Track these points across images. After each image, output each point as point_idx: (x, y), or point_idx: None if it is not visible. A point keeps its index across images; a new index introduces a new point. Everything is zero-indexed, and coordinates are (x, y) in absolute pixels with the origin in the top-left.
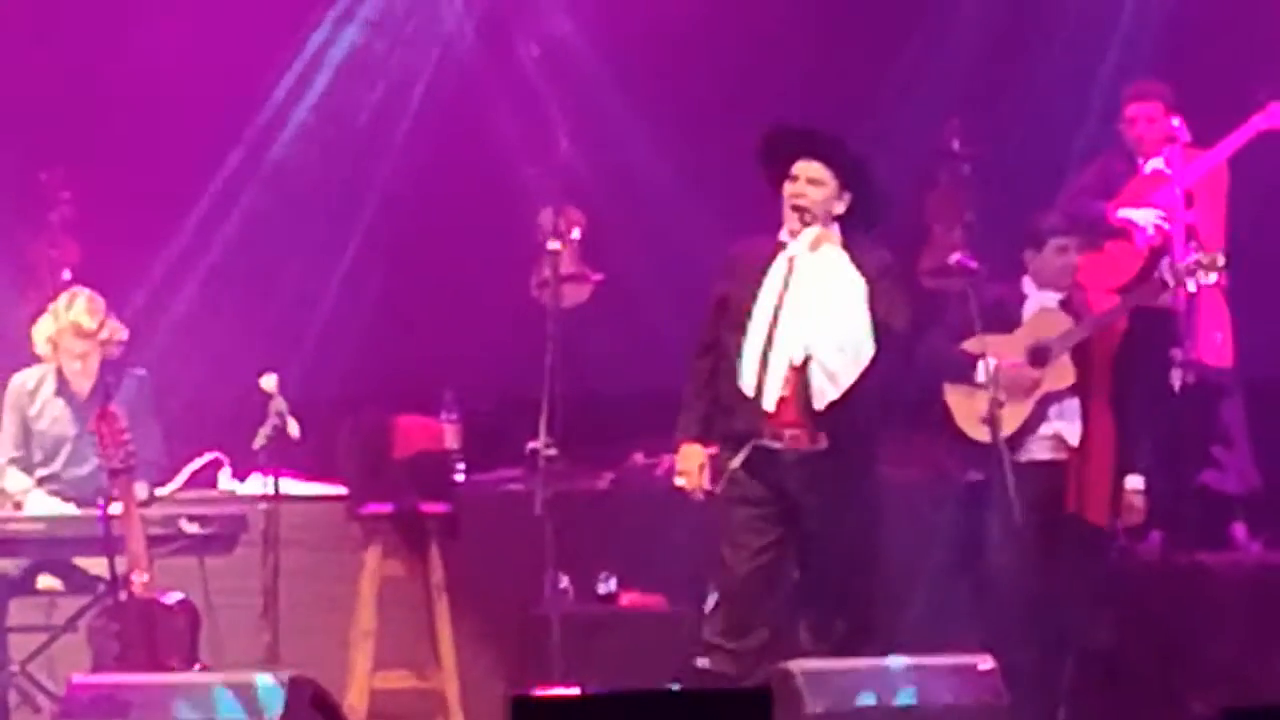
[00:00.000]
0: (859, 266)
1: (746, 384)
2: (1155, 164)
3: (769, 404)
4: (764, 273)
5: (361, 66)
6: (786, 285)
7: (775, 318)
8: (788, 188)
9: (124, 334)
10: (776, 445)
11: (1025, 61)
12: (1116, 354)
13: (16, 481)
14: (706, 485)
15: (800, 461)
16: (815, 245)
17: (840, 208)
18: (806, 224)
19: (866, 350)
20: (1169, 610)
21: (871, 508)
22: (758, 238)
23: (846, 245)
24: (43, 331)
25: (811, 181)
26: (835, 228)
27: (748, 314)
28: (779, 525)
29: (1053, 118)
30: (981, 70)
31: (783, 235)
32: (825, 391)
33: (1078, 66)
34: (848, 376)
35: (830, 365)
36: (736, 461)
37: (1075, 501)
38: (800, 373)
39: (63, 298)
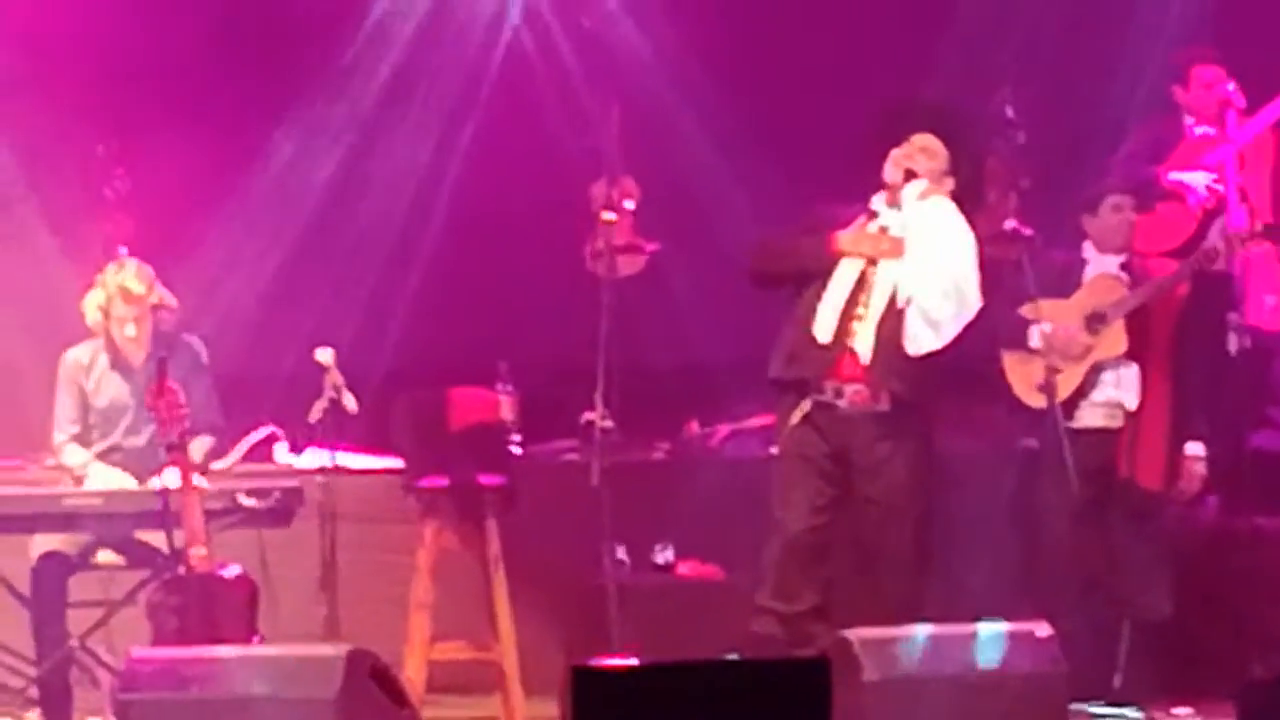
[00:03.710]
0: None
1: (822, 331)
2: (1205, 127)
3: (861, 352)
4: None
5: (414, 39)
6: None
7: (861, 276)
8: (897, 152)
9: (173, 301)
10: (838, 402)
11: (1079, 27)
12: (1177, 319)
13: (75, 456)
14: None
15: (861, 420)
16: (925, 195)
17: (945, 188)
18: (908, 179)
19: (973, 301)
20: (1226, 575)
21: (930, 473)
22: (846, 204)
23: None
24: (92, 301)
25: (924, 151)
26: (942, 189)
27: (830, 271)
28: (836, 486)
29: (1107, 83)
30: (1035, 36)
31: (874, 203)
32: (922, 339)
33: (1132, 31)
34: (951, 327)
35: (934, 313)
36: (796, 417)
37: (1127, 466)
38: (892, 322)
39: (109, 267)
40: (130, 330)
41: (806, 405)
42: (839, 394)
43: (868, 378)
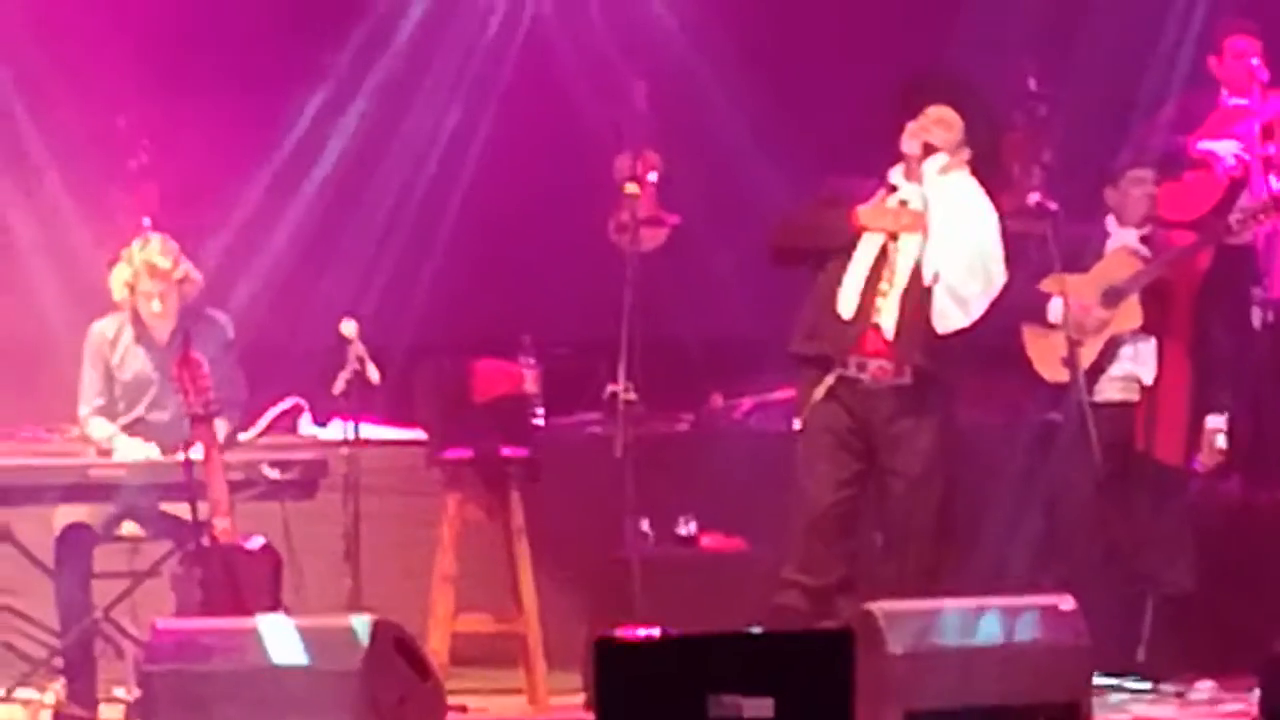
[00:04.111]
0: None
1: (846, 307)
2: (1239, 99)
3: (885, 327)
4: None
5: (438, 9)
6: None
7: (883, 250)
8: (913, 124)
9: (198, 276)
10: (861, 376)
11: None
12: (1198, 293)
13: (101, 429)
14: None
15: (884, 394)
16: (945, 170)
17: (960, 158)
18: (928, 153)
19: (998, 277)
20: (1249, 550)
21: (952, 445)
22: (862, 178)
23: None
24: (119, 277)
25: (939, 122)
26: (963, 163)
27: (851, 246)
28: (860, 460)
29: (1130, 56)
30: (1058, 9)
31: (892, 177)
32: (950, 316)
33: (1154, 3)
34: (979, 303)
35: (962, 290)
36: (820, 392)
37: (1144, 440)
38: (916, 297)
39: (136, 242)
40: (156, 306)
41: (830, 380)
42: (863, 368)
43: (892, 353)
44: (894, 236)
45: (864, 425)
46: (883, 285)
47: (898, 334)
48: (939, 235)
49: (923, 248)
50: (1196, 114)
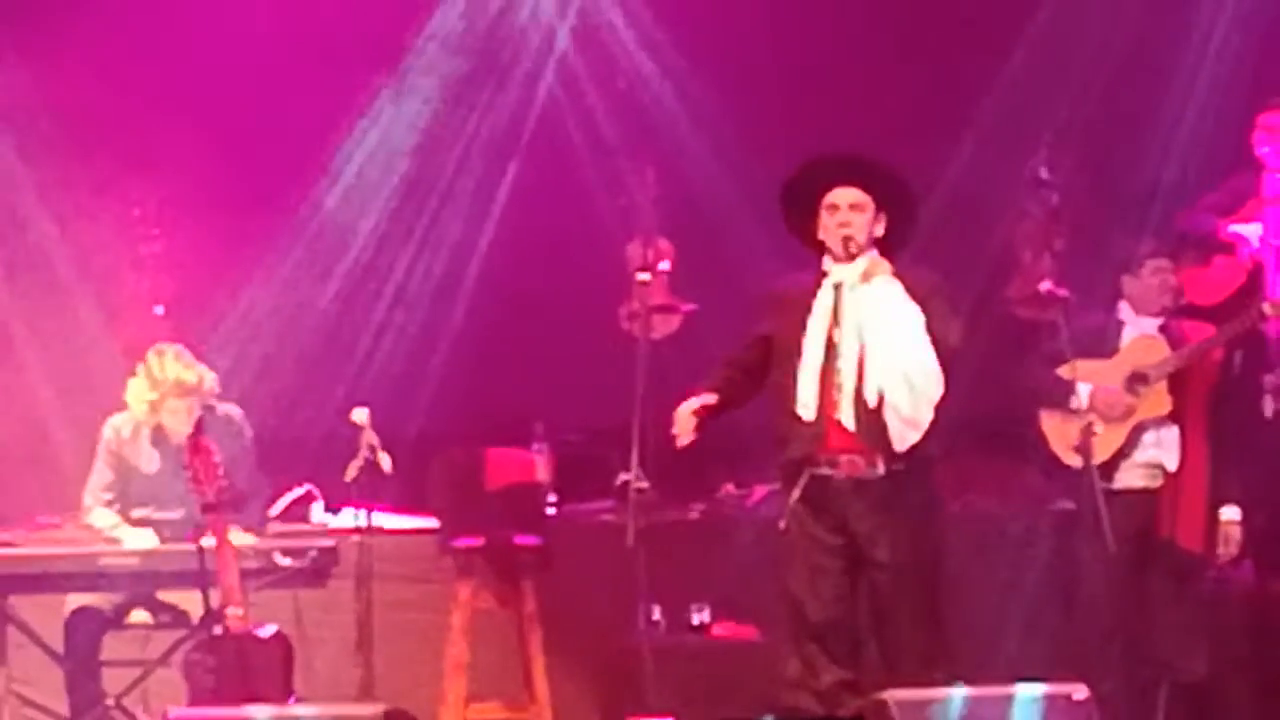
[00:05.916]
0: (910, 291)
1: (805, 409)
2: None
3: (846, 421)
4: (809, 308)
5: (449, 101)
6: (837, 313)
7: (829, 342)
8: (829, 218)
9: (213, 377)
10: (832, 473)
11: (1115, 89)
12: (1214, 381)
13: (103, 519)
14: (690, 435)
15: (858, 488)
16: (867, 277)
17: (879, 230)
18: (853, 254)
19: (938, 385)
20: (1264, 639)
21: (935, 532)
22: (799, 273)
23: (895, 273)
24: (139, 394)
25: (854, 208)
26: (881, 259)
27: (798, 347)
28: (843, 558)
29: (1143, 145)
30: (1072, 99)
31: (825, 265)
32: (906, 437)
33: (1169, 93)
34: (925, 413)
35: (906, 410)
36: (795, 494)
37: (1168, 527)
38: (874, 412)
39: (150, 359)
40: (182, 417)
41: (803, 481)
42: (834, 465)
43: (858, 446)
44: (837, 322)
45: (841, 523)
46: (837, 380)
47: (860, 425)
48: (874, 355)
49: (859, 350)
50: (1241, 196)
